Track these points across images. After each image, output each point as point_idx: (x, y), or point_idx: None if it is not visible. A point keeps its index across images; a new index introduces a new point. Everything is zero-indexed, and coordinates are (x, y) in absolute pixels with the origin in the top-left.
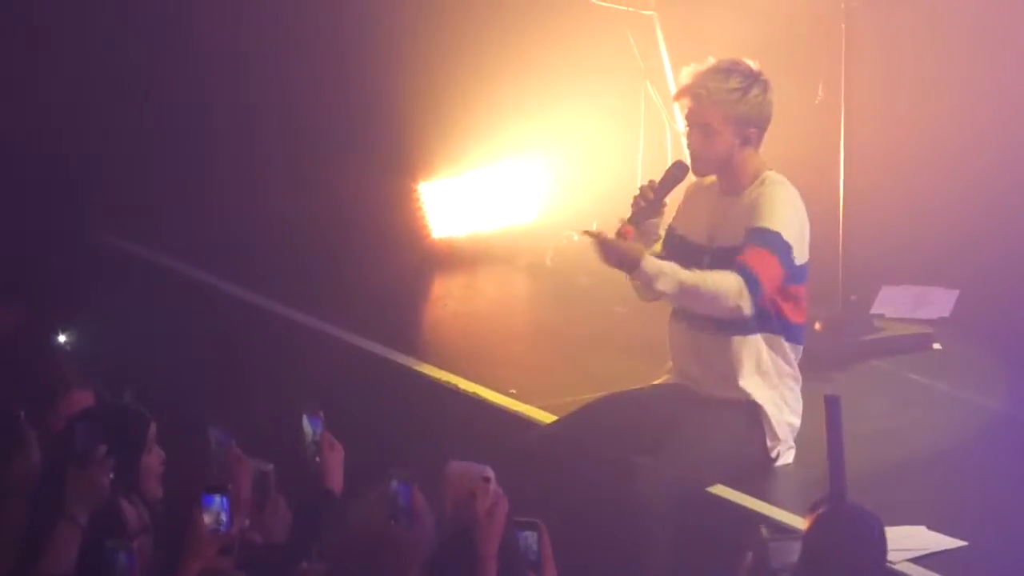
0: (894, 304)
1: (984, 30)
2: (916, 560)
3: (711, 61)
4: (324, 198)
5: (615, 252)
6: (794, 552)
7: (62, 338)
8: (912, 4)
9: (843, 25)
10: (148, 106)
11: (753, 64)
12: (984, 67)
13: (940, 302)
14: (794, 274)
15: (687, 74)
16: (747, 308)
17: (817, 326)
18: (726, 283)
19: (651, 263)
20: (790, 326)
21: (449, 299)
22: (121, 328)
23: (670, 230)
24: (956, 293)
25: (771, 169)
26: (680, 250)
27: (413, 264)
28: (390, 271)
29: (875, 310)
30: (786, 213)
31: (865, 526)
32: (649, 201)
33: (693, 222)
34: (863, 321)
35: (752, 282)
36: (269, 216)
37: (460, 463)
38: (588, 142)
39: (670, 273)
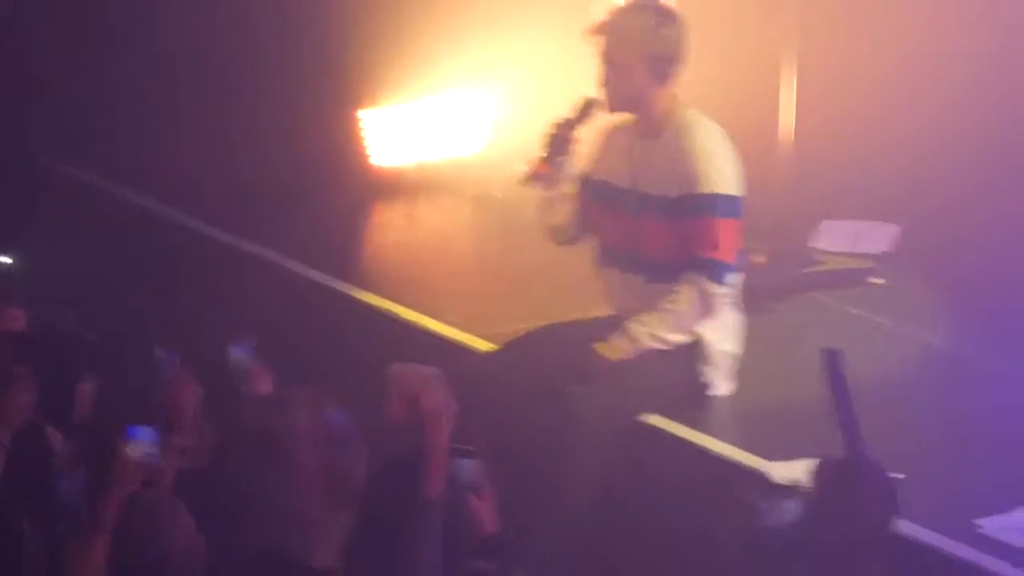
0: (835, 238)
1: None
2: None
3: None
4: (268, 126)
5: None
6: (789, 512)
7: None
8: None
9: None
10: (99, 36)
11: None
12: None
13: (881, 237)
14: (732, 211)
15: (601, 11)
16: (720, 295)
17: (759, 259)
18: (690, 303)
19: (622, 344)
20: (725, 264)
21: (392, 228)
22: (66, 251)
23: (586, 178)
24: (897, 228)
25: (688, 107)
26: (602, 195)
27: (357, 193)
28: (333, 200)
29: (816, 244)
30: (721, 166)
31: (885, 484)
32: (561, 137)
33: (612, 166)
34: (804, 255)
35: (716, 268)
36: (212, 144)
37: (403, 365)
38: (538, 71)
39: (643, 334)
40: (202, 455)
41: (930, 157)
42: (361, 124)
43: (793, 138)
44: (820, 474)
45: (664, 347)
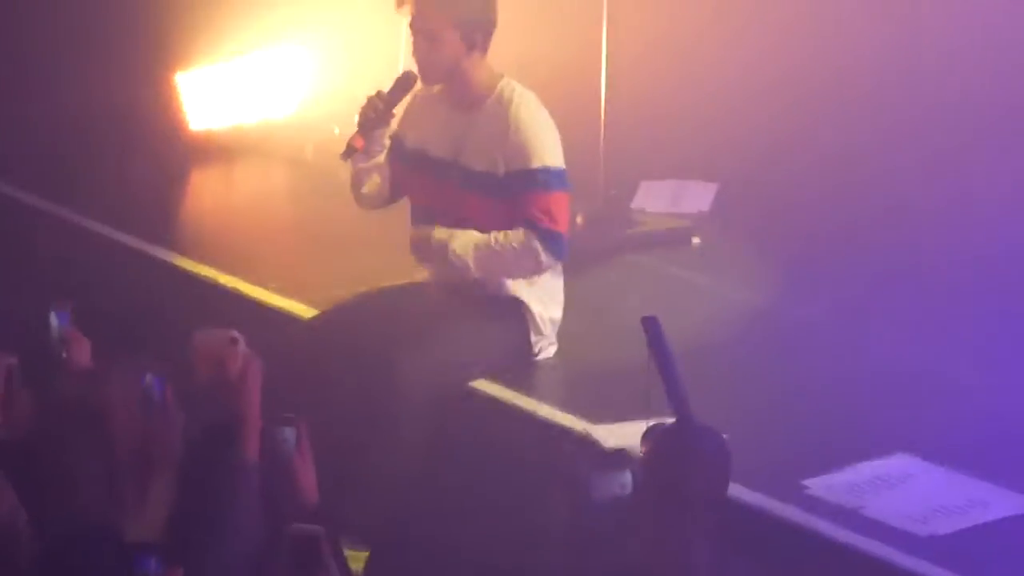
0: (653, 198)
1: None
2: None
3: None
4: (79, 89)
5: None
6: (619, 483)
7: None
8: None
9: None
10: None
11: None
12: None
13: (699, 196)
14: (560, 184)
15: None
16: (548, 265)
17: (578, 220)
18: (519, 240)
19: (443, 236)
20: (546, 231)
21: (207, 193)
22: None
23: (396, 141)
24: (715, 187)
25: (503, 76)
26: (416, 163)
27: (171, 157)
28: (147, 164)
29: (635, 204)
30: (545, 138)
31: (716, 447)
32: (378, 111)
33: (428, 135)
34: (623, 215)
35: (552, 239)
36: (22, 109)
37: (205, 331)
38: (350, 32)
39: (469, 246)
40: (21, 425)
41: (742, 113)
42: (175, 87)
43: (604, 99)
44: (649, 440)
45: (472, 272)
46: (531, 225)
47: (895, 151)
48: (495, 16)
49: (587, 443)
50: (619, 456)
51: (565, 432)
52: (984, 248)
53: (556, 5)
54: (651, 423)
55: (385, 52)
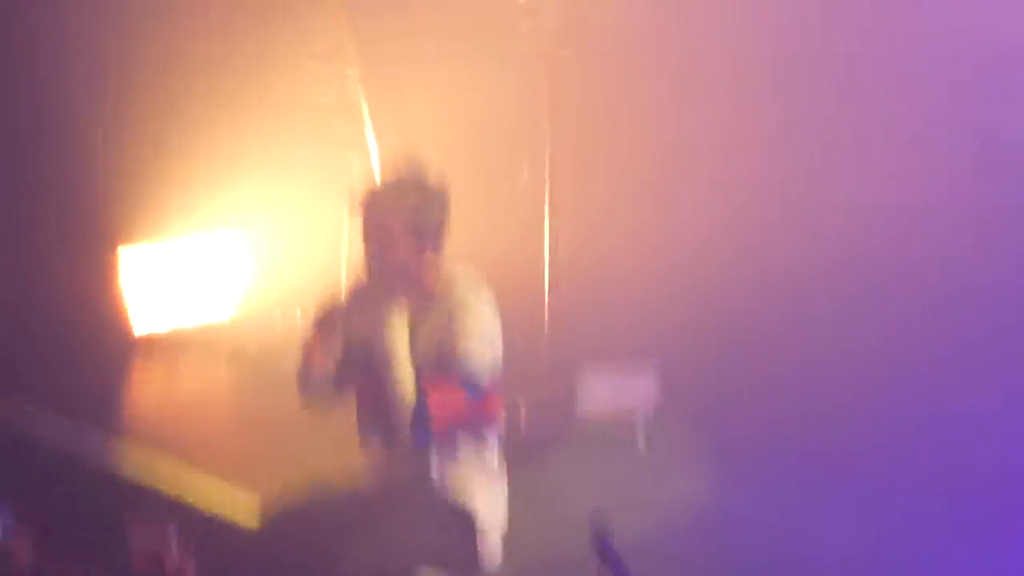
0: (596, 395)
1: (687, 91)
2: None
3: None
4: (21, 274)
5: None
6: None
7: None
8: (614, 57)
9: (548, 83)
10: None
11: (423, 168)
12: (689, 130)
13: (639, 391)
14: (480, 392)
15: (365, 192)
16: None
17: (520, 411)
18: (400, 403)
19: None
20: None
21: (151, 390)
22: None
23: (349, 341)
24: (652, 381)
25: (456, 266)
26: (364, 360)
27: (116, 353)
28: (92, 358)
29: (577, 401)
30: (483, 334)
31: None
32: (329, 324)
33: (379, 333)
34: (565, 407)
35: (421, 429)
36: None
37: (142, 525)
38: (290, 218)
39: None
40: None
41: (686, 291)
42: (118, 264)
43: (547, 283)
44: None
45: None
46: (422, 399)
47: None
48: (446, 216)
49: None
50: None
51: None
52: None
53: (497, 196)
54: None
55: (326, 238)
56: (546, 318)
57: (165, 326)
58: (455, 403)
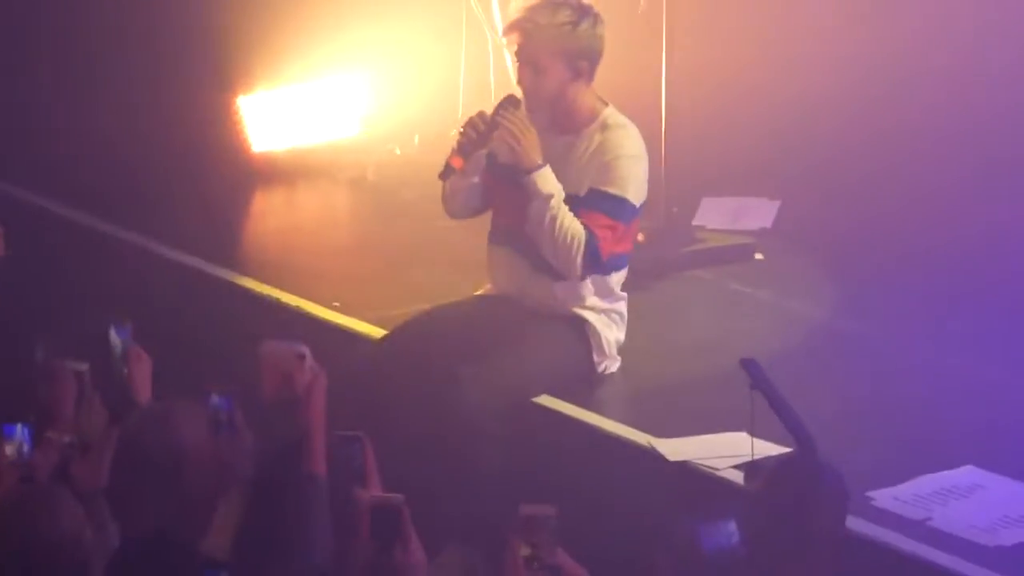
0: (715, 215)
1: None
2: (739, 467)
3: None
4: (143, 113)
5: (523, 144)
6: (727, 534)
7: None
8: None
9: None
10: None
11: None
12: None
13: (761, 213)
14: (631, 219)
15: (515, 8)
16: (577, 271)
17: (640, 238)
18: (577, 238)
19: (549, 177)
20: (614, 259)
21: (270, 214)
22: None
23: (492, 155)
24: (777, 204)
25: (608, 105)
26: (509, 179)
27: (233, 179)
28: (210, 186)
29: (696, 221)
30: (634, 172)
31: (838, 483)
32: (480, 133)
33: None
34: (684, 232)
35: (593, 252)
36: (88, 133)
37: (273, 343)
38: (409, 56)
39: (554, 194)
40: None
41: (803, 130)
42: (237, 110)
43: (665, 116)
44: (764, 475)
45: (537, 226)
46: (590, 234)
47: (960, 167)
48: (602, 47)
49: (651, 455)
50: (723, 506)
51: (629, 446)
52: None
53: (614, 26)
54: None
55: (444, 76)
56: (663, 149)
57: (284, 156)
58: (614, 235)
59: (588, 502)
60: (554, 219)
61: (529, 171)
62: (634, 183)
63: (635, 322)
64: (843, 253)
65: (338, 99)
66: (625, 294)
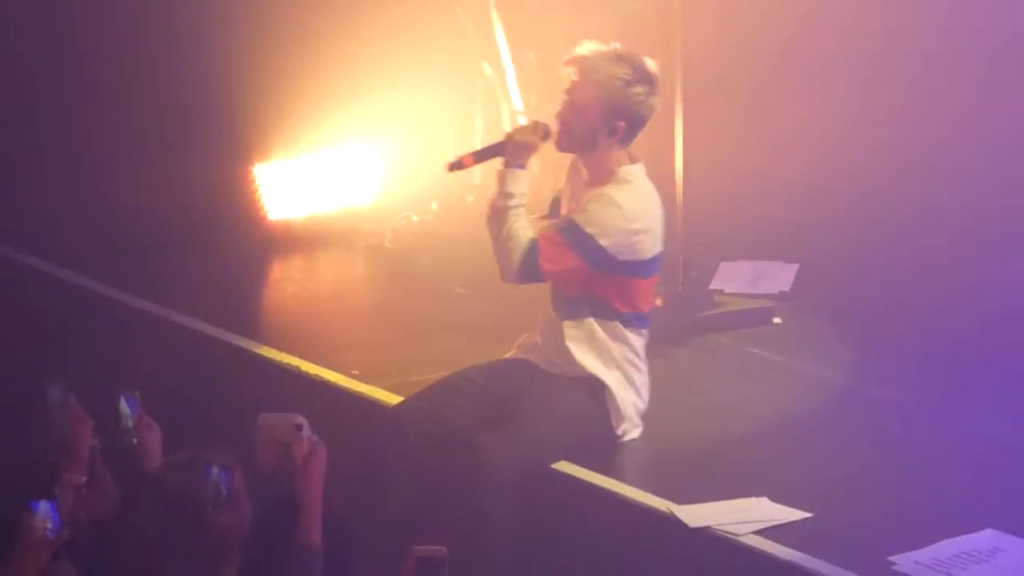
0: (733, 279)
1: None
2: (761, 532)
3: (616, 46)
4: (160, 183)
5: (517, 141)
6: None
7: None
8: None
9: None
10: None
11: (651, 64)
12: (824, 45)
13: (779, 276)
14: (613, 268)
15: (585, 47)
16: (514, 273)
17: (658, 302)
18: (520, 242)
19: (520, 179)
20: (625, 314)
21: (288, 282)
22: None
23: (555, 200)
24: (795, 267)
25: (636, 163)
26: None
27: (251, 247)
28: (228, 255)
29: (714, 286)
30: (604, 212)
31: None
32: (497, 147)
33: (565, 201)
34: (703, 297)
35: (532, 258)
36: (107, 203)
37: (271, 415)
38: (424, 123)
39: (515, 195)
40: (103, 506)
41: (821, 193)
42: (254, 178)
43: (682, 181)
44: None
45: (491, 221)
46: (534, 243)
47: (979, 226)
48: (647, 114)
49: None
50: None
51: (649, 512)
52: None
53: None
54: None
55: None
56: (680, 214)
57: (301, 223)
58: (552, 250)
59: (608, 569)
60: (507, 218)
61: (508, 165)
62: (597, 219)
63: (654, 386)
64: (862, 317)
65: (355, 167)
66: (644, 360)
